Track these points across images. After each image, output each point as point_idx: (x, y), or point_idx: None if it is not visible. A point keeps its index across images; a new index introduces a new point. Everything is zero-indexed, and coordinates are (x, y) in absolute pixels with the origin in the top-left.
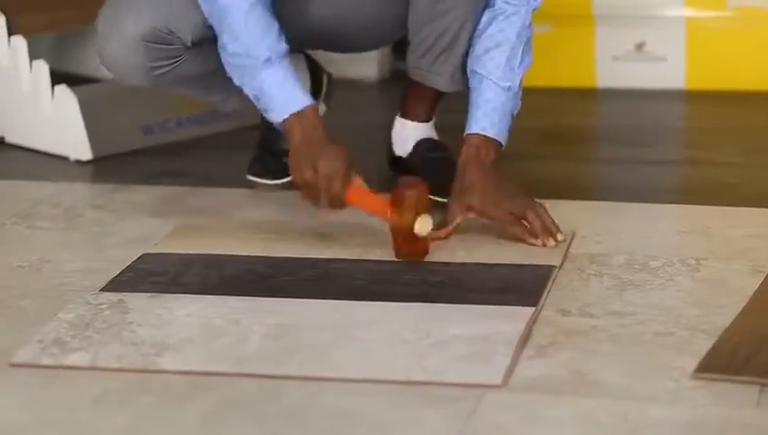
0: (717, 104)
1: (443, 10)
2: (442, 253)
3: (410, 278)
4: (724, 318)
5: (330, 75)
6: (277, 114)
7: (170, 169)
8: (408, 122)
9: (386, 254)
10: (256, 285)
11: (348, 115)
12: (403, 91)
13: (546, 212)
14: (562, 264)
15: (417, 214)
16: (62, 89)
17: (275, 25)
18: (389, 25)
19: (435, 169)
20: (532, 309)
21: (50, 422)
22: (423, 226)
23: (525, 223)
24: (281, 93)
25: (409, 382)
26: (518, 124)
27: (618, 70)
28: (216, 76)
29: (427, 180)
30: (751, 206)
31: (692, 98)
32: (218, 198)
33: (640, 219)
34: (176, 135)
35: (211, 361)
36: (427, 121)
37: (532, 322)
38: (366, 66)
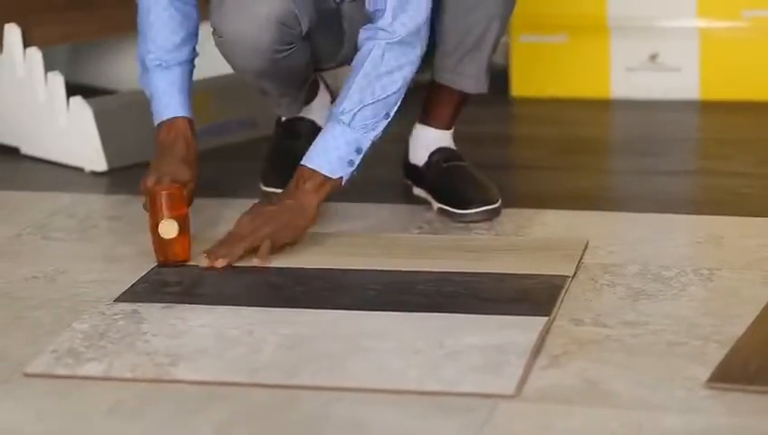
0: (731, 114)
1: (471, 7)
2: (455, 262)
3: (423, 288)
4: (738, 328)
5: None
6: (154, 117)
7: None
8: (428, 129)
9: (398, 264)
10: (270, 295)
11: None
12: (425, 97)
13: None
14: (575, 274)
15: (164, 217)
16: (78, 100)
17: (182, 33)
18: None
19: (448, 177)
20: (545, 319)
21: (64, 432)
22: (165, 229)
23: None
24: (162, 99)
25: (423, 392)
26: (533, 135)
27: (632, 80)
28: (300, 74)
29: (443, 191)
30: (765, 216)
31: (706, 108)
32: (232, 208)
33: (654, 229)
34: None
35: (225, 371)
36: (447, 129)
37: (545, 332)
38: None
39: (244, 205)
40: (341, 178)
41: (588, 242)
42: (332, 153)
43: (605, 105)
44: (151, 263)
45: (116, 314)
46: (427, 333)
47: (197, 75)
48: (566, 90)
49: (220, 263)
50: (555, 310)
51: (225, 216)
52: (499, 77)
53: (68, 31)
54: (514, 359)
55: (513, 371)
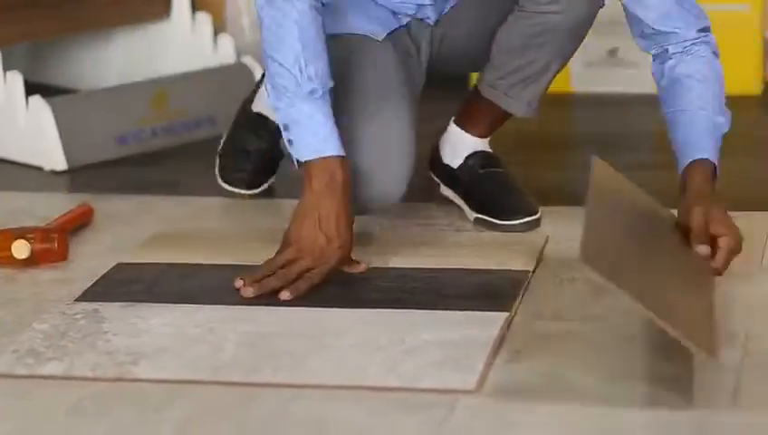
0: None
1: (538, 43)
2: (417, 259)
3: (385, 285)
4: None
5: None
6: (304, 153)
7: (145, 179)
8: (464, 134)
9: (360, 260)
10: (231, 293)
11: None
12: (466, 102)
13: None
14: (536, 269)
15: (16, 238)
16: (37, 99)
17: (326, 56)
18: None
19: (485, 184)
20: (505, 314)
21: (25, 432)
22: (17, 250)
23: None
24: (317, 132)
25: (383, 389)
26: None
27: (591, 75)
28: None
29: (481, 199)
30: None
31: None
32: (193, 206)
33: None
34: (150, 145)
35: (186, 369)
36: (485, 138)
37: (506, 327)
38: None
39: (206, 202)
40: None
41: (548, 237)
42: (716, 148)
43: (565, 100)
44: (112, 262)
45: (77, 314)
46: (388, 329)
47: (157, 72)
48: None
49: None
50: (516, 305)
51: (181, 213)
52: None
53: (27, 29)
54: (475, 354)
55: (474, 366)
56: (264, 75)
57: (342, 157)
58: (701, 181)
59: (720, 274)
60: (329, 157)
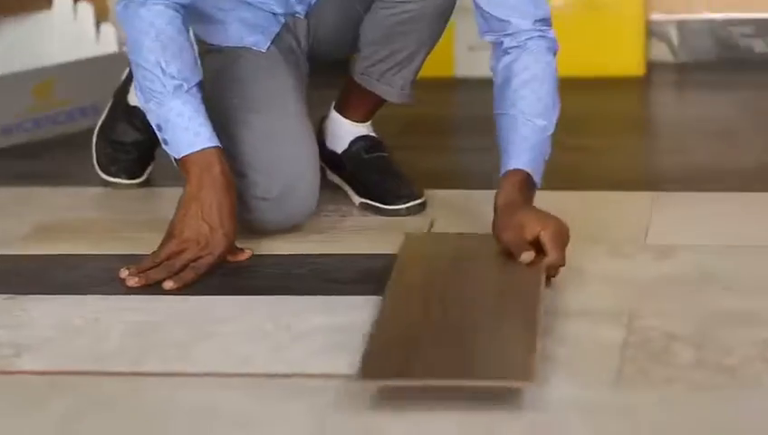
0: (572, 91)
1: (403, 31)
2: (303, 244)
3: (271, 272)
4: (571, 302)
5: None
6: (178, 149)
7: (28, 170)
8: (345, 120)
9: (246, 247)
10: (116, 283)
11: None
12: (344, 90)
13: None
14: None
15: None
16: None
17: (192, 50)
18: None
19: (370, 168)
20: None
21: None
22: None
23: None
24: (188, 127)
25: (270, 375)
26: (378, 114)
27: (475, 59)
28: None
29: (367, 185)
30: (607, 189)
31: None
32: (76, 197)
33: None
34: (33, 135)
35: (70, 360)
36: (365, 122)
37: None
38: None
39: (89, 193)
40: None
41: (433, 221)
42: (540, 159)
43: (448, 84)
44: None
45: None
46: (275, 316)
47: (42, 62)
48: None
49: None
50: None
51: (64, 204)
52: None
53: None
54: (360, 339)
55: (360, 350)
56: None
57: (217, 146)
58: (510, 191)
59: (561, 265)
60: (203, 149)
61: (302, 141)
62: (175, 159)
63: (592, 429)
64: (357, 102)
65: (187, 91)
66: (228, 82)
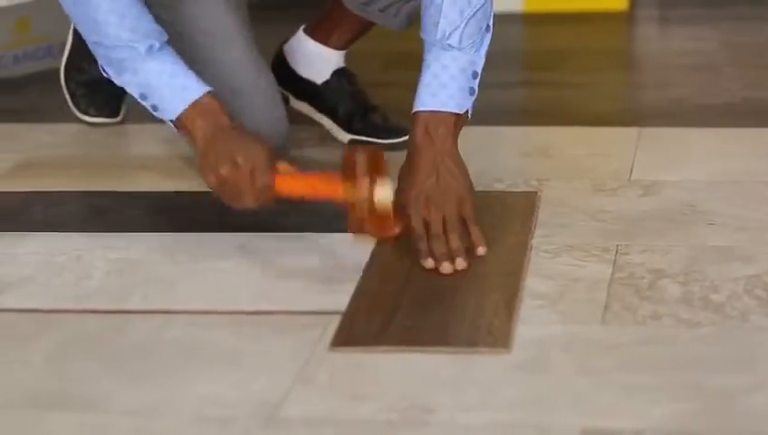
0: (554, 26)
1: None
2: None
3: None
4: (564, 238)
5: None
6: (172, 110)
7: (6, 107)
8: (324, 48)
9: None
10: (98, 220)
11: None
12: (326, 16)
13: (470, 228)
14: None
15: (374, 181)
16: None
17: (147, 13)
18: None
19: (357, 103)
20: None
21: None
22: (383, 193)
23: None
24: (173, 84)
25: (256, 312)
26: (362, 50)
27: None
28: None
29: (348, 116)
30: (591, 125)
31: (530, 20)
32: (56, 134)
33: (483, 142)
34: (11, 71)
35: (54, 298)
36: (345, 50)
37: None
38: None
39: (69, 129)
40: (467, 111)
41: None
42: (452, 86)
43: None
44: None
45: None
46: (260, 253)
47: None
48: None
49: (447, 268)
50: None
51: (46, 141)
52: None
53: None
54: (348, 276)
55: (347, 288)
56: None
57: (209, 90)
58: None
59: (477, 246)
60: (197, 100)
61: (240, 50)
62: (172, 121)
63: (579, 365)
64: (344, 29)
65: (159, 50)
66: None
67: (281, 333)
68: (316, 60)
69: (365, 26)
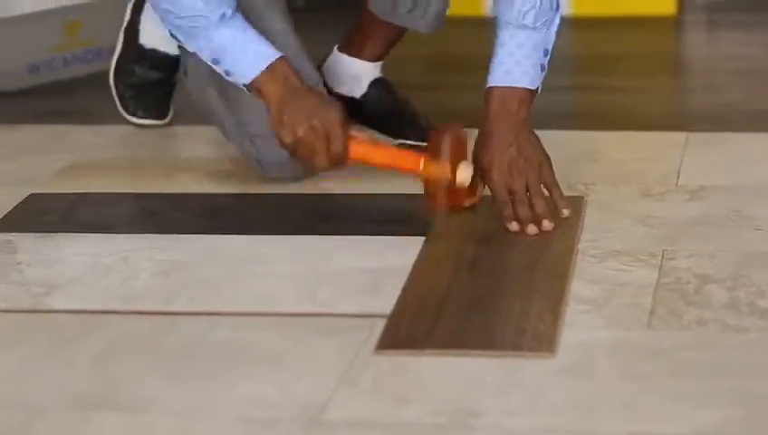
0: (603, 30)
1: None
2: (327, 184)
3: (300, 212)
4: (612, 242)
5: None
6: (246, 74)
7: (57, 108)
8: (360, 61)
9: (276, 188)
10: (146, 222)
11: None
12: (355, 29)
13: (553, 192)
14: None
15: (457, 161)
16: None
17: None
18: None
19: (399, 110)
20: (422, 238)
21: None
22: (464, 174)
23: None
24: (246, 49)
25: (300, 314)
26: (404, 53)
27: None
28: None
29: (390, 124)
30: (638, 130)
31: (579, 24)
32: (105, 136)
33: None
34: (62, 73)
35: (101, 299)
36: (380, 61)
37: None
38: None
39: (118, 131)
40: (538, 87)
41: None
42: (526, 63)
43: (477, 23)
44: (24, 192)
45: None
46: (305, 255)
47: (66, 2)
48: None
49: (532, 229)
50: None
51: (94, 143)
52: None
53: None
54: (393, 280)
55: (392, 291)
56: (135, 6)
57: (281, 56)
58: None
59: (561, 209)
60: (270, 65)
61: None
62: (245, 84)
63: (624, 369)
64: (375, 39)
65: (231, 17)
66: None
67: (326, 336)
68: (353, 74)
69: (397, 35)
